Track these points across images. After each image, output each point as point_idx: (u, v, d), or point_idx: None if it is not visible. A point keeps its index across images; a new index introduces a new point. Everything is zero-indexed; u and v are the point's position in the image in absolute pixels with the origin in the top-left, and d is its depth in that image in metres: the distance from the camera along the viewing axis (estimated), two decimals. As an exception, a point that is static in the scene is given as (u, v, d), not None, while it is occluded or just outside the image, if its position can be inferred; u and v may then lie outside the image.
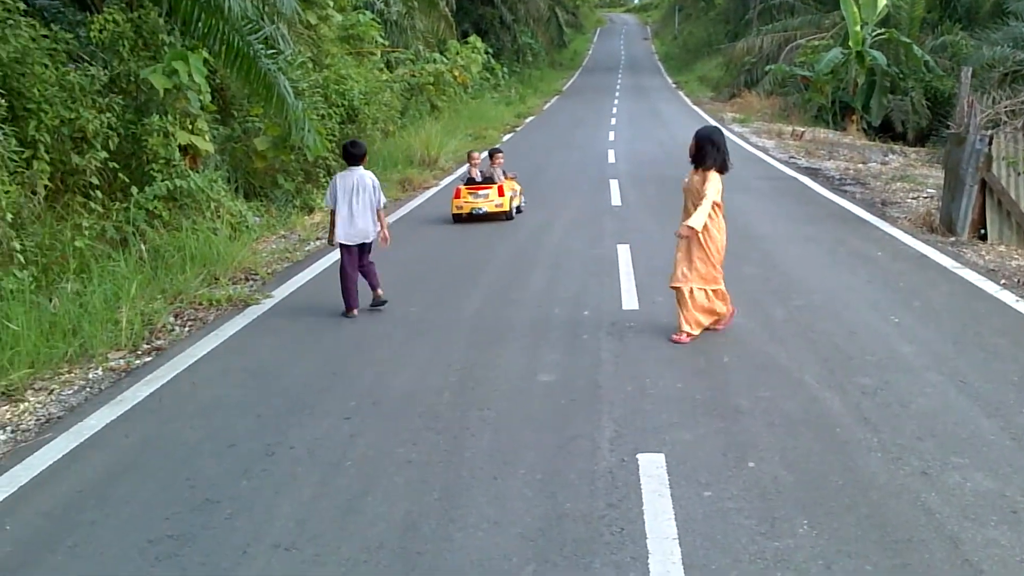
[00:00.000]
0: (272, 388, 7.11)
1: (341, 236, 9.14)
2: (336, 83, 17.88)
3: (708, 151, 8.00)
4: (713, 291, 8.15)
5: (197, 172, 12.07)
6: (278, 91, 12.77)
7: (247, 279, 10.75)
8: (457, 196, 14.79)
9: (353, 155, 9.25)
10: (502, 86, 43.43)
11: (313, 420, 6.37)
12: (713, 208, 7.98)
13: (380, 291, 9.42)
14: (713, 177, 7.99)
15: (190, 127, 12.08)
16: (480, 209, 14.56)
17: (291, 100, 13.04)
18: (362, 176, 9.21)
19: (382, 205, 9.33)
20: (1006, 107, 13.77)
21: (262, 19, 14.75)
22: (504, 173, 15.24)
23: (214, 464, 5.70)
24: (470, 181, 15.00)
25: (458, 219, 14.66)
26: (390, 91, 22.98)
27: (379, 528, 4.82)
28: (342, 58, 20.02)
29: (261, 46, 12.71)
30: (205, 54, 12.47)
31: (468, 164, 15.47)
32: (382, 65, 25.09)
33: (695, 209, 7.91)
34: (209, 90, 12.70)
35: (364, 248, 9.33)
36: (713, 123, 31.27)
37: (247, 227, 12.51)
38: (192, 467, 5.66)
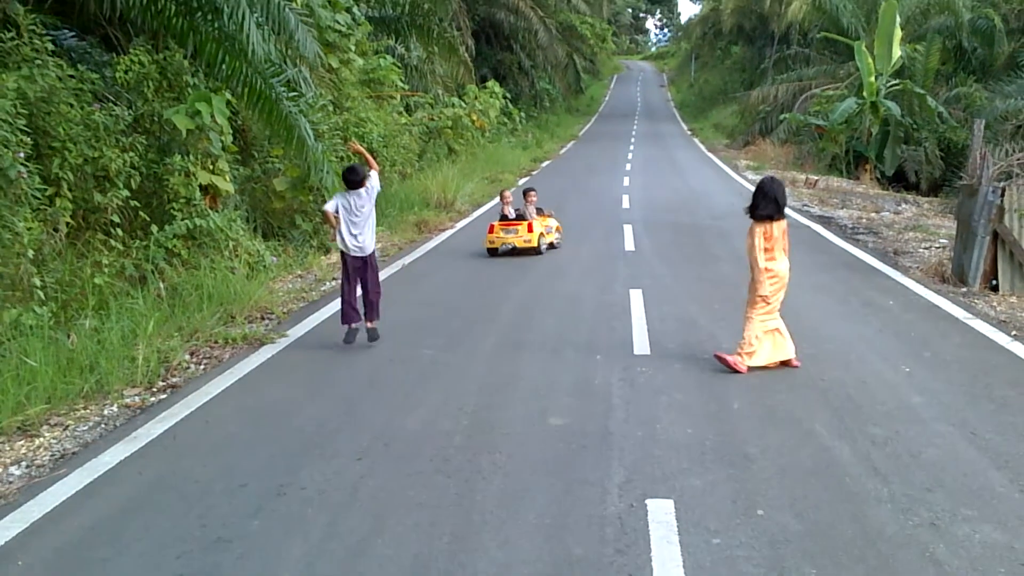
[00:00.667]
0: (285, 427, 7.17)
1: (340, 244, 9.77)
2: (356, 126, 18.10)
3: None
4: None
5: (216, 211, 12.21)
6: (299, 133, 12.94)
7: (263, 318, 10.84)
8: (491, 231, 15.65)
9: (352, 181, 9.59)
10: (519, 131, 43.69)
11: (324, 460, 6.42)
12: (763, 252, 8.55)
13: (375, 324, 9.77)
14: (750, 229, 8.55)
15: (211, 167, 12.24)
16: (509, 245, 15.42)
17: (311, 142, 13.20)
18: (358, 194, 9.62)
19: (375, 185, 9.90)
20: (1019, 159, 13.85)
21: (285, 62, 14.98)
22: (540, 210, 16.31)
23: (226, 503, 5.75)
24: (503, 218, 15.76)
25: (492, 253, 15.52)
26: (408, 134, 23.24)
27: (388, 571, 4.86)
28: (362, 101, 20.24)
29: (283, 88, 12.91)
30: (228, 96, 12.69)
31: (501, 202, 16.14)
32: (401, 108, 25.34)
33: None
34: (231, 131, 12.89)
35: (366, 267, 9.79)
36: (729, 170, 31.49)
37: (264, 266, 12.63)
38: (204, 505, 5.71)
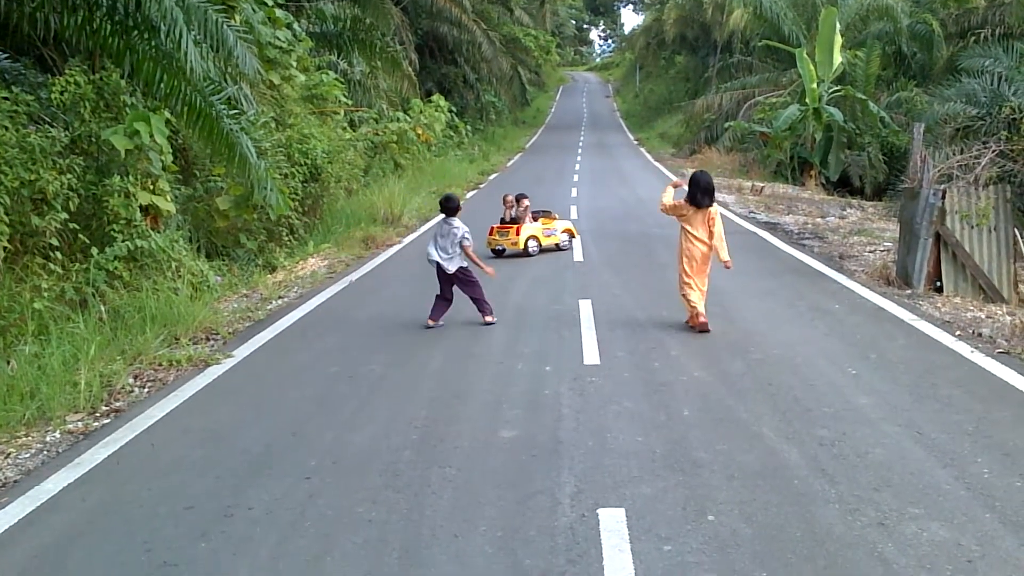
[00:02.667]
0: (232, 449, 7.07)
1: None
2: (299, 142, 17.90)
3: None
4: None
5: (158, 232, 12.03)
6: (240, 151, 12.79)
7: (208, 339, 10.69)
8: (490, 233, 17.00)
9: (446, 208, 11.01)
10: (466, 144, 43.61)
11: (272, 480, 6.33)
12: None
13: (488, 317, 11.11)
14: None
15: (151, 187, 12.06)
16: (500, 246, 16.81)
17: (254, 159, 13.06)
18: (449, 226, 10.89)
19: (466, 243, 10.91)
20: (958, 162, 14.05)
21: (225, 80, 14.83)
22: (548, 213, 18.07)
23: (172, 526, 5.64)
24: (502, 221, 17.11)
25: (497, 254, 16.71)
26: (353, 150, 23.07)
27: (338, 588, 4.79)
28: (305, 117, 20.05)
29: (224, 106, 12.76)
30: (167, 115, 12.51)
31: (504, 206, 17.39)
32: (345, 124, 25.18)
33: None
34: (171, 150, 12.71)
35: (456, 280, 11.04)
36: (674, 177, 31.67)
37: (208, 287, 12.46)
38: (149, 530, 5.60)
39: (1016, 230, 12.69)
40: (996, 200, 12.51)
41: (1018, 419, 7.27)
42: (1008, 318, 10.81)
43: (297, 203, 16.77)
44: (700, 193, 10.49)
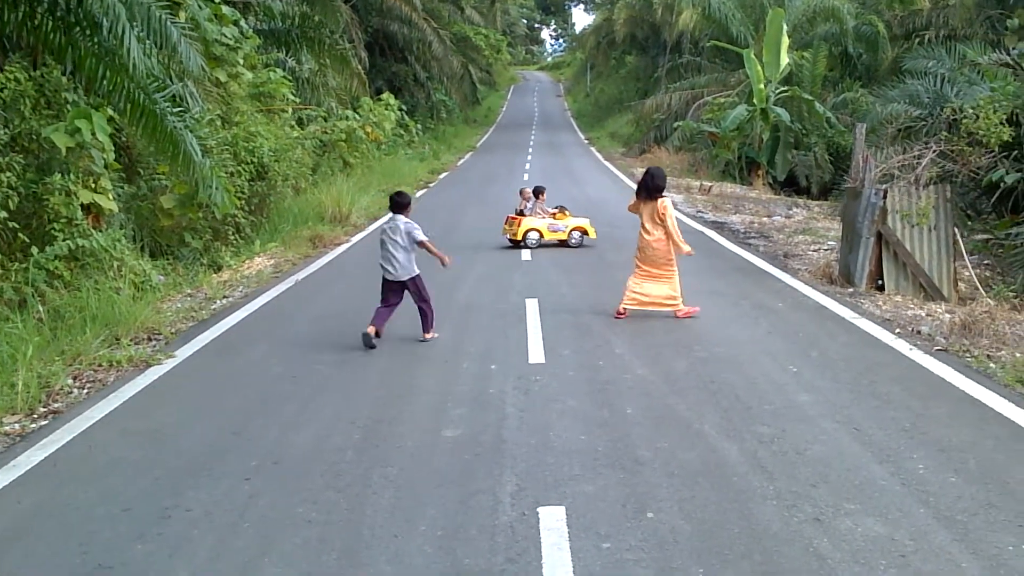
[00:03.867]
0: (171, 450, 6.99)
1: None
2: (245, 140, 17.71)
3: None
4: None
5: (100, 231, 11.87)
6: (185, 148, 12.66)
7: (150, 339, 10.56)
8: (505, 223, 18.12)
9: (397, 203, 10.21)
10: (416, 142, 43.49)
11: (212, 481, 6.27)
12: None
13: (429, 335, 10.19)
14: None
15: (93, 185, 11.88)
16: (505, 235, 17.89)
17: (198, 158, 12.93)
18: (395, 222, 10.05)
19: (422, 238, 10.05)
20: (900, 162, 14.22)
21: (169, 77, 14.66)
22: (563, 208, 18.29)
23: (108, 528, 5.57)
24: (517, 212, 18.12)
25: (512, 243, 17.74)
26: (301, 148, 22.88)
27: (275, 590, 4.76)
28: (252, 115, 19.85)
29: (168, 104, 12.63)
30: (110, 112, 12.34)
31: (520, 198, 18.54)
32: (293, 122, 25.00)
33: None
34: (113, 148, 12.52)
35: (408, 288, 10.15)
36: (626, 179, 31.78)
37: (151, 286, 12.30)
38: (85, 532, 5.53)
39: (956, 229, 12.91)
40: (936, 199, 12.71)
41: (954, 416, 7.40)
42: (947, 316, 10.98)
43: (243, 202, 16.61)
44: (642, 186, 11.19)
